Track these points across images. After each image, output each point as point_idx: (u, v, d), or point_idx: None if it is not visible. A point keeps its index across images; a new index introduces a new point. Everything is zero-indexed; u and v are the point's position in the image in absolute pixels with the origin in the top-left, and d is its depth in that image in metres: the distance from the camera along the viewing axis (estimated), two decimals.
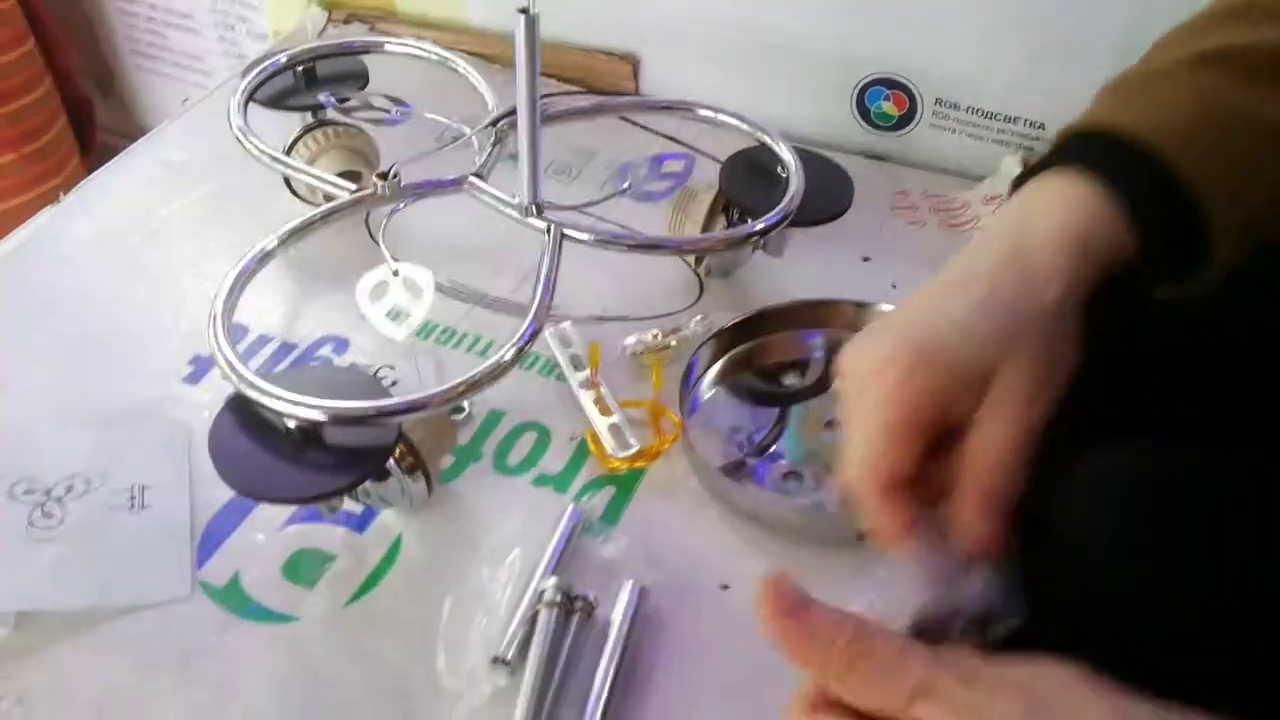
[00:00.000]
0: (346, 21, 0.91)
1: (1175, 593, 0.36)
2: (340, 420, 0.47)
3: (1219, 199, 0.37)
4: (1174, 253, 0.38)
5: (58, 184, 1.15)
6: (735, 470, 0.58)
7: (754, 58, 0.81)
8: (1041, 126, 0.76)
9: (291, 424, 0.47)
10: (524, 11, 0.51)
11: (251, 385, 0.48)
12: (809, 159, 0.64)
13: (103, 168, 0.77)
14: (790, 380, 0.64)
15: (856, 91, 0.80)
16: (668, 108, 0.72)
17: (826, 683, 0.31)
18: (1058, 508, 0.57)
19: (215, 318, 0.50)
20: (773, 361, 0.64)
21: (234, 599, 0.51)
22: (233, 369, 0.48)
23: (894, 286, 0.69)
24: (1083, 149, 0.39)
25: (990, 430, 0.36)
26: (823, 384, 0.63)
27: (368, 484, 0.51)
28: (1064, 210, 0.38)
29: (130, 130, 1.29)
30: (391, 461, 0.50)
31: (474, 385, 0.50)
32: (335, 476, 0.47)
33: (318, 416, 0.47)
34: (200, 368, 0.62)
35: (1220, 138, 0.38)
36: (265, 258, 0.55)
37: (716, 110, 0.67)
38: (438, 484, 0.55)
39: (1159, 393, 0.54)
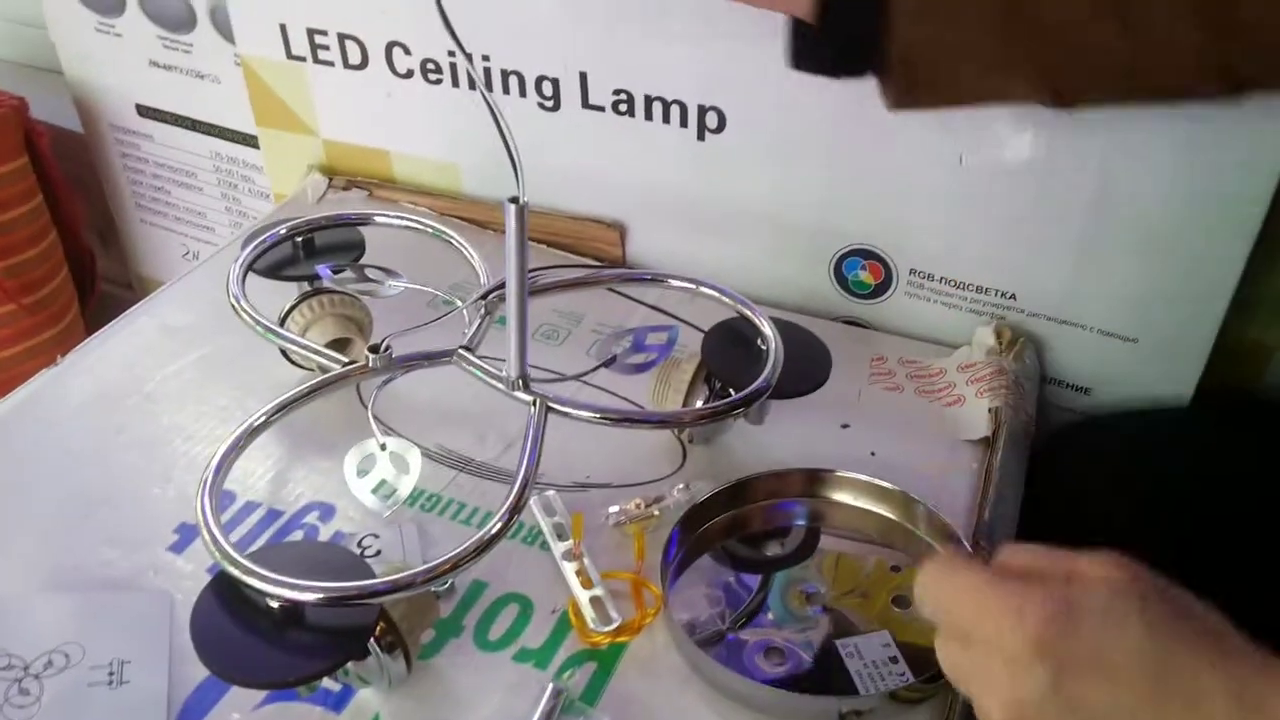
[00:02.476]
0: (346, 188, 0.95)
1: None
2: (323, 602, 0.47)
3: None
4: None
5: (56, 334, 1.18)
6: (717, 641, 0.58)
7: (735, 228, 0.85)
8: (1013, 296, 0.79)
9: (274, 603, 0.48)
10: (514, 200, 0.54)
11: (236, 564, 0.48)
12: (788, 330, 0.67)
13: (101, 331, 0.79)
14: (772, 549, 0.64)
15: (834, 261, 0.83)
16: (652, 279, 0.74)
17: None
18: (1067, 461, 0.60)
19: (203, 493, 0.51)
20: (754, 530, 0.65)
21: None
22: (219, 548, 0.49)
23: (873, 454, 0.70)
24: None
25: None
26: (803, 551, 0.64)
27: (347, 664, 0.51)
28: None
29: (129, 279, 1.32)
30: (371, 640, 0.50)
31: (458, 562, 0.51)
32: (315, 659, 0.47)
33: (300, 597, 0.47)
34: (185, 536, 0.63)
35: None
36: (254, 433, 0.56)
37: (698, 283, 0.70)
38: (417, 661, 0.55)
39: None
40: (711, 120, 0.81)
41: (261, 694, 0.54)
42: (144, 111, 1.15)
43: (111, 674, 0.54)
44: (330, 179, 0.95)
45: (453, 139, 0.92)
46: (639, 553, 0.62)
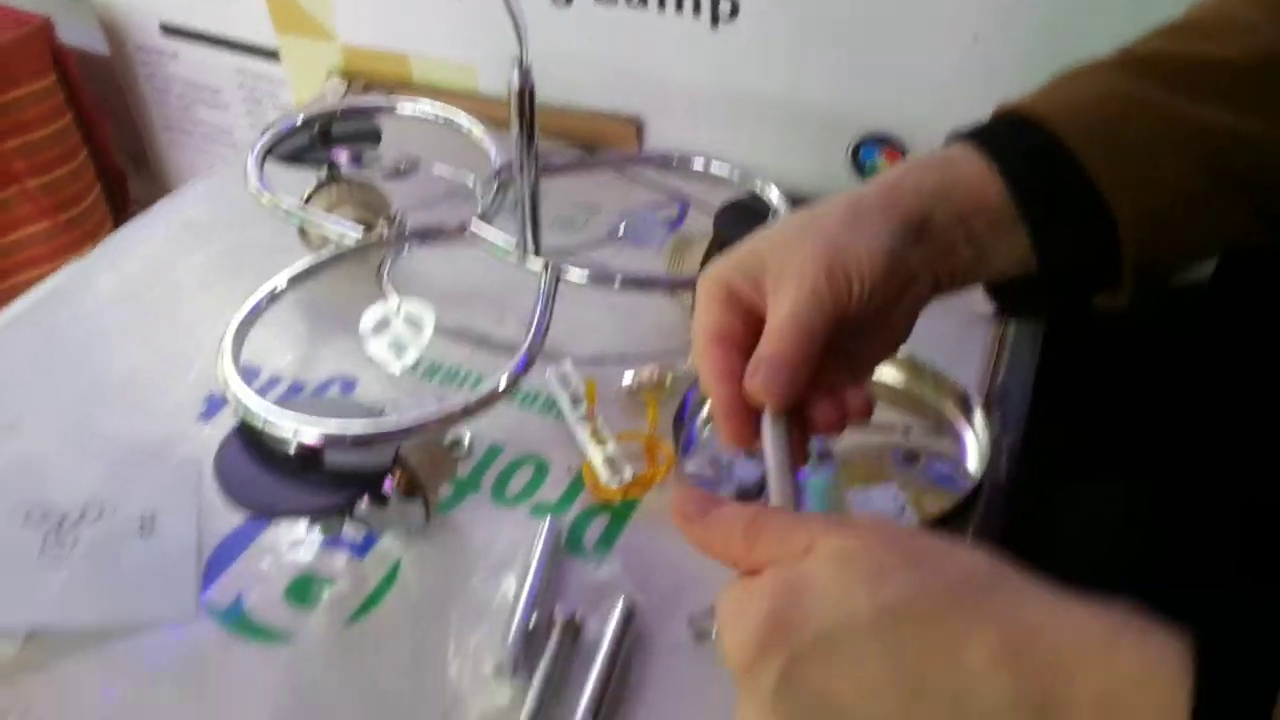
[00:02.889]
0: (365, 91, 0.96)
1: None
2: (337, 441, 0.49)
3: (1107, 169, 0.39)
4: (1063, 224, 0.40)
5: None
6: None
7: (752, 118, 0.85)
8: None
9: (292, 448, 0.49)
10: (519, 64, 0.55)
11: (253, 410, 0.50)
12: (799, 204, 0.67)
13: (127, 224, 0.81)
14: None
15: (851, 148, 0.83)
16: (660, 161, 0.75)
17: (738, 569, 0.34)
18: (1047, 539, 0.59)
19: (225, 347, 0.53)
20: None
21: (236, 620, 0.52)
22: (237, 394, 0.50)
23: None
24: (982, 126, 0.42)
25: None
26: None
27: (367, 508, 0.53)
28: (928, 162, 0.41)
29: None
30: (389, 485, 0.52)
31: (467, 411, 0.52)
32: (334, 494, 0.49)
33: (315, 437, 0.49)
34: (212, 407, 0.65)
35: (1113, 117, 0.40)
36: (275, 297, 0.57)
37: (707, 160, 0.70)
38: (436, 514, 0.57)
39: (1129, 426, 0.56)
40: (725, 6, 0.81)
41: (287, 541, 0.56)
42: (168, 30, 1.16)
43: (143, 525, 0.56)
44: (349, 83, 0.96)
45: (469, 39, 0.92)
46: (652, 418, 0.63)
